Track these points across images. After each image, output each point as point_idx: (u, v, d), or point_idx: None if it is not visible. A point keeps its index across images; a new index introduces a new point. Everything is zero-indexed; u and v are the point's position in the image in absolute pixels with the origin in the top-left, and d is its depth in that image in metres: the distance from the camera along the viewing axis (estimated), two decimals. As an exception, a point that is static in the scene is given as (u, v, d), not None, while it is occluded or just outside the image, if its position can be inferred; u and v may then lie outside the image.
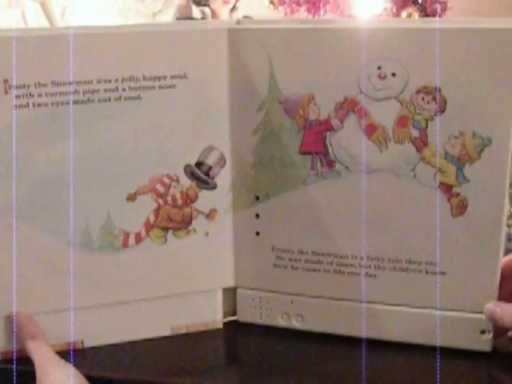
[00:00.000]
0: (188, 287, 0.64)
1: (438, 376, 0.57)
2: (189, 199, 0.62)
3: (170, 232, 0.62)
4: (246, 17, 1.78)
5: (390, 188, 0.59)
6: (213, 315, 0.66)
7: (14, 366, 0.59)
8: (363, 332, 0.62)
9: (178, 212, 0.62)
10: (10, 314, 0.59)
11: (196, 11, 1.90)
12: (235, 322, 0.67)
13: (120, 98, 0.58)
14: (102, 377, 0.59)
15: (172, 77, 0.59)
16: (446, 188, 0.58)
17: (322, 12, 1.68)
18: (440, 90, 0.56)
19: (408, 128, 0.57)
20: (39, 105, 0.56)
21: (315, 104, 0.59)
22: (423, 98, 0.56)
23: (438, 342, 0.61)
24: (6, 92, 0.55)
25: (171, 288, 0.64)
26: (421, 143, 0.57)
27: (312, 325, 0.65)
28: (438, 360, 0.59)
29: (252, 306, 0.66)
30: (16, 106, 0.56)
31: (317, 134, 0.60)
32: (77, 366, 0.56)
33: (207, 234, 0.63)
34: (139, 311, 0.64)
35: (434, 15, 1.56)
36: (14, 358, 0.59)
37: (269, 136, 0.61)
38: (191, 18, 1.88)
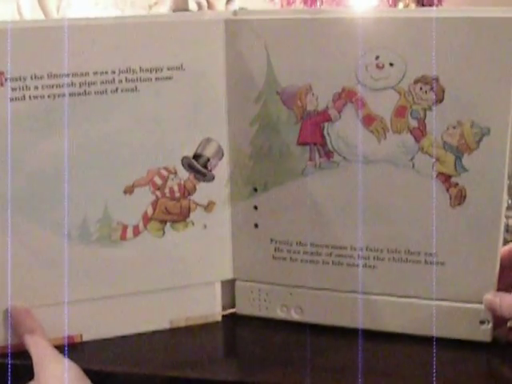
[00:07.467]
0: (186, 280, 0.64)
1: (437, 366, 0.57)
2: (187, 191, 0.62)
3: (168, 224, 0.62)
4: (242, 8, 1.78)
5: (388, 178, 0.59)
6: (211, 308, 0.66)
7: (9, 360, 0.58)
8: (362, 323, 0.62)
9: (176, 204, 0.62)
10: (7, 309, 0.59)
11: (192, 3, 1.89)
12: (234, 314, 0.67)
13: (117, 89, 0.58)
14: (100, 370, 0.59)
15: (169, 68, 0.59)
16: (445, 178, 0.58)
17: (318, 4, 1.67)
18: (438, 80, 0.56)
19: (406, 118, 0.57)
20: (35, 97, 0.56)
21: (313, 95, 0.59)
22: (421, 88, 0.56)
23: (437, 332, 0.60)
24: (2, 84, 0.55)
25: (169, 281, 0.64)
26: (419, 133, 0.57)
27: (311, 317, 0.64)
28: (437, 350, 0.59)
29: (251, 299, 0.66)
30: (12, 99, 0.55)
31: (315, 124, 0.59)
32: (75, 359, 0.56)
33: (205, 226, 0.63)
34: (138, 304, 0.63)
35: (430, 5, 1.56)
36: (9, 351, 0.59)
37: (266, 127, 0.61)
38: (187, 10, 1.87)
